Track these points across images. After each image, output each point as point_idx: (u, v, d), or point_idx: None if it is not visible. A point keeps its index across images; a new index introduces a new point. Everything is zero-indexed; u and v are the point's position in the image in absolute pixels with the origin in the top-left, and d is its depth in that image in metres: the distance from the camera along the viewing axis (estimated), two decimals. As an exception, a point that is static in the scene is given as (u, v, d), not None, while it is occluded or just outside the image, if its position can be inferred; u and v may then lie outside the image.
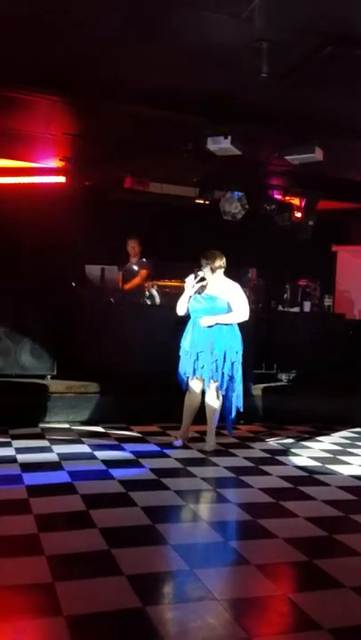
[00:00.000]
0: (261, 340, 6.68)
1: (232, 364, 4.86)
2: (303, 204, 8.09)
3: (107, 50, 4.34)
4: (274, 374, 6.97)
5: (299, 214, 8.19)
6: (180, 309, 5.00)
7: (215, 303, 4.86)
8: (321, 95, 5.02)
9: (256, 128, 5.55)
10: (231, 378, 4.87)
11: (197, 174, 7.20)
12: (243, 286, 7.32)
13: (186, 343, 4.93)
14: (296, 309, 7.65)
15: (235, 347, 4.88)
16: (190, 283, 4.90)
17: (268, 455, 4.94)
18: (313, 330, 7.03)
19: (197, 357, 4.85)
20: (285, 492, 3.94)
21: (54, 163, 7.39)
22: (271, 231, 8.27)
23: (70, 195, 7.62)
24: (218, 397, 4.91)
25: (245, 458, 4.81)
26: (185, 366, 4.93)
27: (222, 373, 4.82)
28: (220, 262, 4.91)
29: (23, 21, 3.99)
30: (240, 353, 4.91)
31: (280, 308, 7.74)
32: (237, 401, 4.95)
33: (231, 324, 4.89)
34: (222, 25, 3.87)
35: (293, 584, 2.80)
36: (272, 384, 6.70)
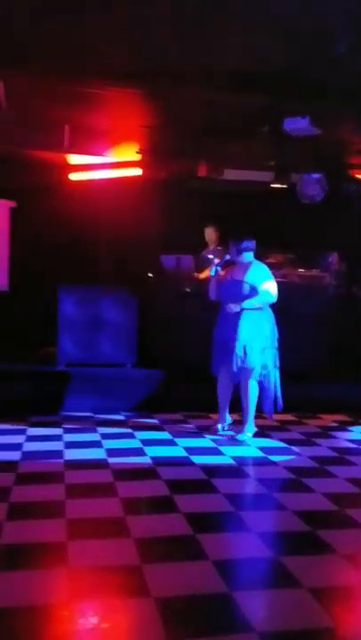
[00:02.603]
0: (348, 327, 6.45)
1: (263, 350, 4.71)
2: (387, 183, 7.70)
3: (181, 36, 4.32)
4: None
5: (383, 194, 7.79)
6: (211, 293, 4.92)
7: (241, 288, 4.71)
8: None
9: (336, 105, 5.33)
10: (264, 365, 4.73)
11: (274, 158, 7.04)
12: (323, 271, 7.15)
13: (218, 330, 4.82)
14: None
15: (264, 331, 4.71)
16: (213, 264, 4.82)
17: (353, 445, 4.80)
18: None
19: (225, 344, 4.73)
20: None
21: (131, 156, 7.50)
22: (353, 213, 7.94)
23: (147, 187, 7.71)
24: (251, 386, 4.76)
25: (330, 447, 4.69)
26: (214, 353, 4.83)
27: (251, 361, 4.67)
28: (248, 244, 4.79)
29: (94, 17, 4.05)
30: (272, 338, 4.74)
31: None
32: (276, 390, 4.82)
33: (261, 309, 4.73)
34: (298, 2, 3.74)
35: (384, 577, 2.71)
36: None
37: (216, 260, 4.93)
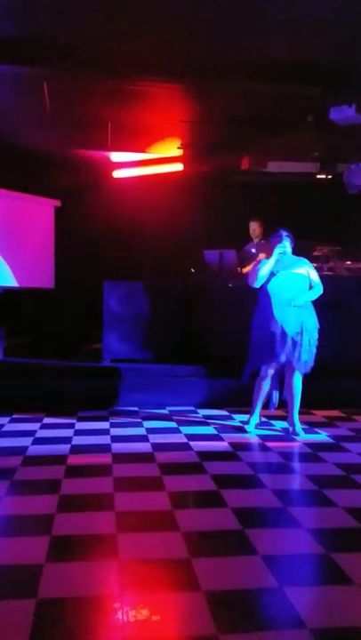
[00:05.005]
0: None
1: (315, 341, 4.75)
2: None
3: (224, 28, 4.28)
4: None
5: None
6: (260, 281, 4.74)
7: (299, 280, 4.71)
8: None
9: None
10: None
11: (319, 148, 6.90)
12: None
13: (274, 326, 4.66)
14: None
15: (316, 325, 4.77)
16: (276, 254, 4.72)
17: None
18: None
19: (291, 340, 4.64)
20: None
21: (172, 152, 7.50)
22: None
23: (189, 182, 7.71)
24: (299, 379, 4.78)
25: (380, 444, 4.58)
26: (263, 348, 4.70)
27: (312, 354, 4.71)
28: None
29: (133, 15, 4.06)
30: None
31: None
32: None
33: (308, 302, 4.77)
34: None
35: None
36: None
37: (262, 255, 4.88)
